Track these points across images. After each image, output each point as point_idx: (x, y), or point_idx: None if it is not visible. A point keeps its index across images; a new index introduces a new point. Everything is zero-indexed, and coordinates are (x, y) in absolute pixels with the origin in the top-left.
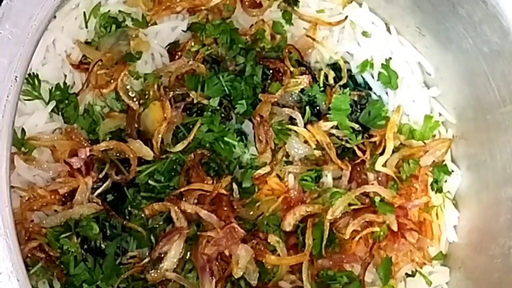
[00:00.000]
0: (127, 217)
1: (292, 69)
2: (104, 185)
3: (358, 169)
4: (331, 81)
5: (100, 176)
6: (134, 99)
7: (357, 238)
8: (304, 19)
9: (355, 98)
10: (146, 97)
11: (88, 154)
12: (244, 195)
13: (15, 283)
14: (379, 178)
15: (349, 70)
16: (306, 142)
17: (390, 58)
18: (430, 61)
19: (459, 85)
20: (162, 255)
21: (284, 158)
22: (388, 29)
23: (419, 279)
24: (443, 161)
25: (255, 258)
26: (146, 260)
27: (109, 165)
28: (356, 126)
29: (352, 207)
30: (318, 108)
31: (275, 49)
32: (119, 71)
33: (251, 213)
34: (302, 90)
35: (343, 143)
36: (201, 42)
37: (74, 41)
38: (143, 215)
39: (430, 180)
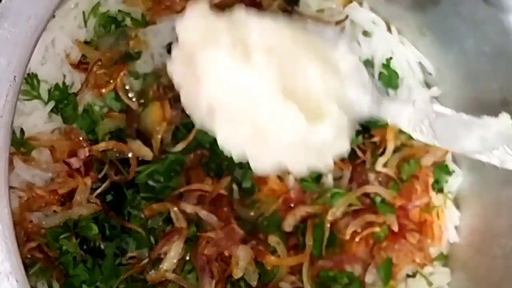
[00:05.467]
0: (127, 217)
1: None
2: (104, 185)
3: (359, 169)
4: None
5: (100, 176)
6: (134, 99)
7: (357, 239)
8: (304, 19)
9: None
10: (146, 97)
11: (87, 154)
12: (244, 195)
13: (14, 284)
14: (380, 179)
15: None
16: None
17: (391, 58)
18: (431, 61)
19: (460, 85)
20: (162, 256)
21: None
22: (389, 29)
23: (420, 279)
24: (444, 161)
25: (255, 259)
26: (146, 260)
27: (109, 165)
28: (357, 126)
29: (353, 207)
30: None
31: None
32: (118, 71)
33: (251, 213)
34: None
35: None
36: None
37: (73, 40)
38: (142, 215)
39: (431, 180)
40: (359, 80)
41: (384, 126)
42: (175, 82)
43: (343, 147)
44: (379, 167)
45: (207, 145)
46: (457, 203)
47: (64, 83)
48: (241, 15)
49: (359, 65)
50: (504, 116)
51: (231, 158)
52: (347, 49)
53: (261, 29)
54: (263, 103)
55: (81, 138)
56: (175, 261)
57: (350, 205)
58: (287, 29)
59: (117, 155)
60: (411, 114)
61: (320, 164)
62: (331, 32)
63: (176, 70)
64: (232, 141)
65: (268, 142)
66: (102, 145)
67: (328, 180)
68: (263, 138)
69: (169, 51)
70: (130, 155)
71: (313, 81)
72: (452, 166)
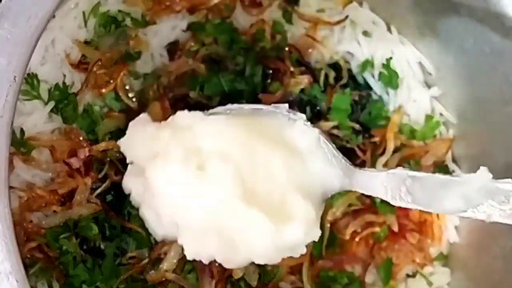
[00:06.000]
0: (127, 217)
1: (292, 69)
2: (104, 185)
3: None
4: (332, 81)
5: (100, 176)
6: (134, 99)
7: (357, 239)
8: (304, 19)
9: (356, 98)
10: (146, 97)
11: (87, 154)
12: None
13: (14, 284)
14: None
15: (349, 70)
16: None
17: (391, 58)
18: (431, 61)
19: (460, 85)
20: (162, 256)
21: None
22: (389, 29)
23: (420, 279)
24: (444, 161)
25: None
26: (146, 260)
27: (108, 165)
28: (357, 126)
29: (353, 207)
30: (318, 108)
31: (275, 48)
32: (118, 71)
33: None
34: (302, 90)
35: (344, 143)
36: (200, 41)
37: (73, 40)
38: None
39: None
40: (324, 155)
41: (384, 126)
42: (133, 199)
43: (315, 235)
44: (379, 167)
45: None
46: None
47: (64, 83)
48: (184, 120)
49: (322, 139)
50: (482, 170)
51: None
52: (305, 125)
53: (208, 131)
54: (226, 213)
55: (81, 138)
56: (175, 261)
57: (350, 205)
58: (236, 121)
59: (117, 155)
60: (385, 182)
61: (293, 254)
62: (284, 110)
63: (133, 187)
64: (200, 253)
65: (237, 248)
66: (102, 145)
67: None
68: (231, 246)
69: (169, 51)
70: None
71: (276, 172)
72: (452, 166)
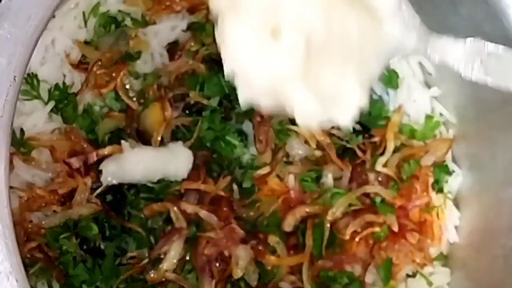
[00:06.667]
0: (127, 217)
1: None
2: (104, 185)
3: (359, 169)
4: None
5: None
6: (134, 99)
7: (357, 239)
8: None
9: None
10: (146, 97)
11: (95, 159)
12: (244, 195)
13: (14, 283)
14: (380, 179)
15: None
16: (306, 142)
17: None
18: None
19: (460, 85)
20: (162, 256)
21: (284, 159)
22: None
23: (420, 279)
24: (444, 161)
25: (255, 259)
26: (146, 260)
27: None
28: (357, 126)
29: (353, 207)
30: None
31: None
32: (118, 71)
33: (251, 213)
34: None
35: (344, 143)
36: (200, 41)
37: (73, 40)
38: (142, 215)
39: (431, 180)
40: (402, 17)
41: (384, 126)
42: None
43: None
44: (379, 167)
45: (208, 143)
46: (457, 203)
47: (64, 83)
48: None
49: (402, 0)
50: None
51: (232, 158)
52: None
53: None
54: (284, 84)
55: (81, 138)
56: (175, 261)
57: (350, 205)
58: None
59: None
60: (461, 50)
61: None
62: None
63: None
64: (252, 103)
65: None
66: (108, 149)
67: (328, 180)
68: (281, 109)
69: (169, 51)
70: None
71: (349, 34)
72: (452, 166)
